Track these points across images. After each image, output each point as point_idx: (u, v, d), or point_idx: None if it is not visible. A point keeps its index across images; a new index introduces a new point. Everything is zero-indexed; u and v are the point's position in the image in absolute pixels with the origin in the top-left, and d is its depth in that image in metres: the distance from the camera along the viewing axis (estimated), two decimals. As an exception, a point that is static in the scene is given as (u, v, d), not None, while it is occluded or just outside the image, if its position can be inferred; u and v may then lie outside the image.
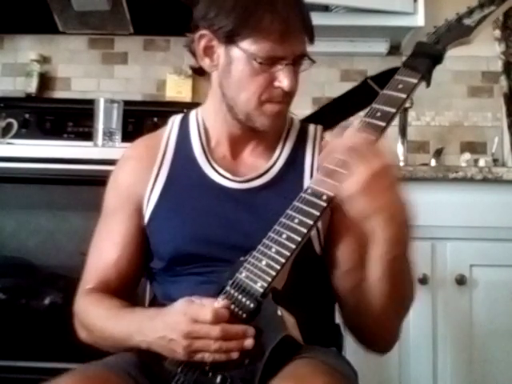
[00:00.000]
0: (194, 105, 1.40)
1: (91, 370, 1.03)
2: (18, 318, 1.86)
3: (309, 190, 1.06)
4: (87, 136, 2.13)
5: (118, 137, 2.01)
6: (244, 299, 1.03)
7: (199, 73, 1.25)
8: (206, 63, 1.20)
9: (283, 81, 1.13)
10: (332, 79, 2.52)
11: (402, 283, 1.07)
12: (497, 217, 1.80)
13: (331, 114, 1.58)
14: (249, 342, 0.99)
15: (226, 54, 1.16)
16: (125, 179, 1.26)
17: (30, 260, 1.90)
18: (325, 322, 1.23)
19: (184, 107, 1.75)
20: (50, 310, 1.85)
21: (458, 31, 1.14)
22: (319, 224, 1.16)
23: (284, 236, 1.04)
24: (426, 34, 1.16)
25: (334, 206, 1.17)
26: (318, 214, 1.03)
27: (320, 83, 2.49)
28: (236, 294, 1.04)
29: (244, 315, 1.02)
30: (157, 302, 1.24)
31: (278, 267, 1.02)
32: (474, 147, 2.43)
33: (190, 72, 2.28)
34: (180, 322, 1.01)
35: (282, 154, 1.24)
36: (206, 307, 1.01)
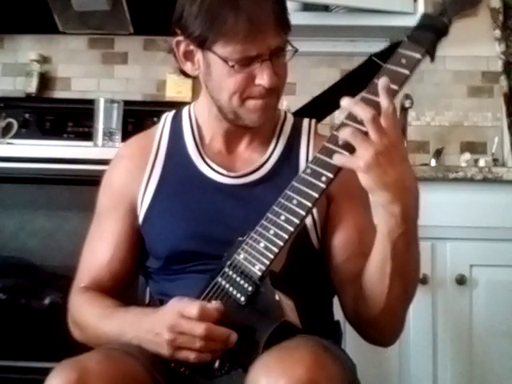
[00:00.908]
0: (194, 105, 1.40)
1: (112, 352, 1.03)
2: (17, 318, 1.86)
3: (308, 170, 1.03)
4: (87, 136, 2.13)
5: (118, 137, 2.01)
6: (242, 281, 1.03)
7: (186, 74, 1.24)
8: (188, 68, 1.20)
9: (262, 78, 1.11)
10: (332, 79, 2.49)
11: (408, 262, 1.05)
12: (497, 217, 1.80)
13: (334, 96, 1.56)
14: (230, 347, 0.99)
15: (203, 57, 1.15)
16: (118, 179, 1.26)
17: (30, 260, 1.90)
18: (322, 317, 1.23)
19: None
20: (49, 309, 1.84)
21: (463, 1, 1.08)
22: (316, 215, 1.17)
23: (282, 217, 1.03)
24: (432, 4, 1.11)
25: (330, 196, 1.16)
26: (316, 195, 1.01)
27: (320, 83, 2.47)
28: (234, 276, 1.04)
29: (242, 298, 1.02)
30: (154, 301, 1.24)
31: (277, 250, 1.02)
32: (474, 147, 2.43)
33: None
34: (167, 316, 1.02)
35: (276, 148, 1.24)
36: (195, 303, 1.01)
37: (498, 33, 2.38)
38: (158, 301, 1.19)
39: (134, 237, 1.23)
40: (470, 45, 2.44)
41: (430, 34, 1.03)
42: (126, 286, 1.26)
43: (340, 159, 0.99)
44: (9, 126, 2.28)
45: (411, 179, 0.99)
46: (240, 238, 1.07)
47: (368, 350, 1.74)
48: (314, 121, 1.29)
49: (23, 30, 2.54)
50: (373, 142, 0.95)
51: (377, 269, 1.05)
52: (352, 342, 1.56)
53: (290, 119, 1.29)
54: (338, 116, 2.04)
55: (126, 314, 1.13)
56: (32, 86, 2.48)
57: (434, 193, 1.78)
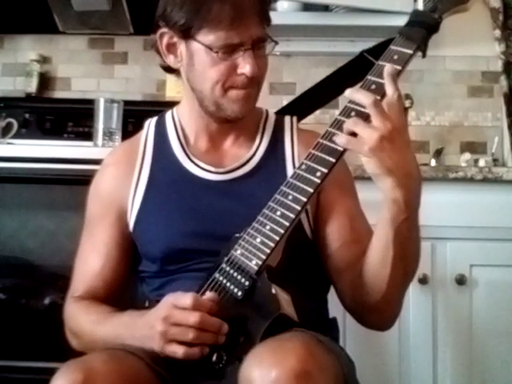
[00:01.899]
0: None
1: (117, 352, 1.03)
2: (17, 318, 1.86)
3: (303, 166, 1.05)
4: (87, 136, 2.13)
5: (118, 137, 2.01)
6: (239, 276, 1.04)
7: (169, 70, 1.27)
8: (170, 60, 1.22)
9: (245, 67, 1.14)
10: (332, 79, 2.51)
11: (409, 249, 1.06)
12: (497, 217, 1.80)
13: (322, 92, 1.57)
14: (222, 339, 1.00)
15: (186, 48, 1.17)
16: (106, 186, 1.27)
17: (30, 260, 1.90)
18: (318, 314, 1.23)
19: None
20: (49, 309, 1.84)
21: None
22: (307, 205, 1.17)
23: (278, 213, 1.04)
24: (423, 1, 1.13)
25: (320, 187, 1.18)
26: (311, 190, 1.03)
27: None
28: (231, 272, 1.05)
29: (239, 293, 1.03)
30: (151, 303, 1.24)
31: (273, 245, 1.03)
32: (474, 147, 2.43)
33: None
34: (160, 309, 1.03)
35: (261, 143, 1.26)
36: (188, 294, 1.02)
37: (498, 33, 2.38)
38: (156, 302, 1.19)
39: (126, 243, 1.24)
40: (470, 45, 2.44)
41: (422, 30, 1.05)
42: (120, 293, 1.27)
43: (344, 140, 0.99)
44: (9, 126, 2.28)
45: (414, 165, 1.00)
46: (237, 234, 1.08)
47: (368, 350, 1.75)
48: (294, 117, 1.32)
49: (23, 30, 2.54)
50: (376, 127, 0.96)
51: (378, 255, 1.06)
52: (352, 340, 1.57)
53: (272, 116, 1.32)
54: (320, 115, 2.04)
55: (121, 317, 1.14)
56: (32, 86, 2.48)
57: (434, 193, 1.78)
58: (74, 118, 2.31)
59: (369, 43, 1.35)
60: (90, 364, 0.96)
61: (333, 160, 1.02)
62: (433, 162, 2.33)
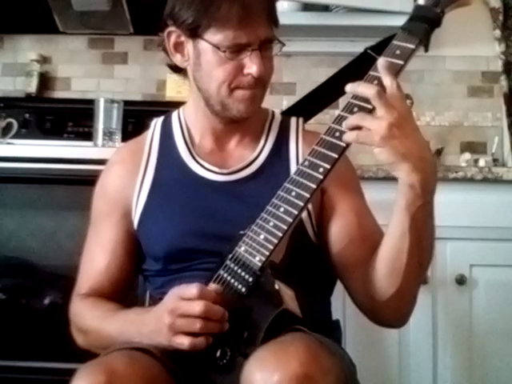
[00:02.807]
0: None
1: (134, 353, 1.03)
2: (18, 317, 1.86)
3: (306, 163, 1.06)
4: (87, 136, 2.13)
5: (118, 137, 2.01)
6: (243, 273, 1.05)
7: (175, 70, 1.27)
8: (177, 59, 1.22)
9: (251, 67, 1.14)
10: (332, 79, 2.52)
11: (425, 237, 1.06)
12: (497, 217, 1.80)
13: (328, 92, 1.57)
14: (226, 326, 1.01)
15: (194, 47, 1.18)
16: (112, 184, 1.27)
17: (30, 260, 1.90)
18: (321, 315, 1.23)
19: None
20: (49, 309, 1.84)
21: None
22: (310, 208, 1.18)
23: (281, 210, 1.05)
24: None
25: (322, 188, 1.17)
26: (314, 186, 1.03)
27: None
28: (235, 268, 1.06)
29: (243, 289, 1.03)
30: (154, 300, 1.24)
31: (276, 241, 1.03)
32: (474, 147, 2.43)
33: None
34: (167, 302, 1.04)
35: (266, 145, 1.26)
36: (193, 284, 1.02)
37: (498, 33, 2.38)
38: (158, 300, 1.19)
39: (131, 241, 1.24)
40: (470, 45, 2.44)
41: (424, 24, 1.05)
42: (125, 291, 1.27)
43: (353, 136, 0.99)
44: (9, 126, 2.28)
45: (427, 149, 1.01)
46: (241, 232, 1.08)
47: (368, 350, 1.75)
48: (301, 119, 1.32)
49: (23, 30, 2.54)
50: (383, 117, 0.96)
51: (394, 244, 1.05)
52: (352, 341, 1.57)
53: (278, 117, 1.32)
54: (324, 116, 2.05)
55: (128, 314, 1.14)
56: (32, 86, 2.48)
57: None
58: (73, 118, 2.31)
59: (369, 43, 1.34)
60: (112, 366, 0.96)
61: (335, 156, 1.02)
62: (433, 162, 2.33)
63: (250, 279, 1.03)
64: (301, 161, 1.21)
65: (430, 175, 1.00)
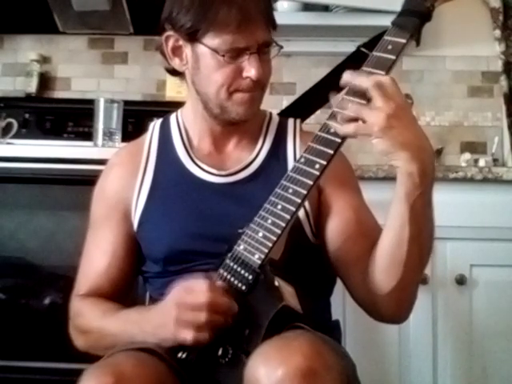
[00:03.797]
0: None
1: (141, 354, 1.03)
2: (18, 317, 1.86)
3: (302, 159, 1.06)
4: (87, 136, 2.13)
5: (118, 137, 2.01)
6: (243, 271, 1.05)
7: (174, 73, 1.27)
8: (176, 63, 1.23)
9: (250, 70, 1.15)
10: (332, 79, 2.51)
11: (424, 227, 1.06)
12: (497, 217, 1.80)
13: (322, 91, 1.57)
14: (231, 320, 1.01)
15: (192, 51, 1.18)
16: (111, 187, 1.28)
17: (30, 260, 1.90)
18: (321, 316, 1.23)
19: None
20: (49, 309, 1.84)
21: None
22: (308, 207, 1.19)
23: (279, 207, 1.06)
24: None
25: (319, 187, 1.19)
26: (311, 183, 1.04)
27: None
28: (235, 267, 1.06)
29: (243, 287, 1.04)
30: (154, 301, 1.25)
31: (275, 238, 1.04)
32: (474, 147, 2.43)
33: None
34: (173, 295, 1.05)
35: (264, 146, 1.27)
36: (201, 280, 1.03)
37: (498, 33, 2.38)
38: (159, 301, 1.19)
39: (130, 243, 1.25)
40: (470, 45, 2.44)
41: (414, 19, 1.06)
42: (125, 292, 1.27)
43: (352, 128, 1.00)
44: (9, 126, 2.28)
45: (425, 139, 1.02)
46: (240, 230, 1.09)
47: (368, 350, 1.75)
48: (298, 120, 1.33)
49: (23, 30, 2.54)
50: (381, 108, 0.97)
51: (394, 235, 1.06)
52: (352, 341, 1.57)
53: (276, 119, 1.32)
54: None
55: (129, 313, 1.15)
56: (32, 86, 2.48)
57: (434, 193, 1.78)
58: (73, 118, 2.31)
59: (369, 43, 1.34)
60: (119, 367, 0.96)
61: (331, 152, 1.03)
62: (433, 162, 2.33)
63: (250, 277, 1.04)
64: None
65: (428, 164, 1.01)
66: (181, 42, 1.19)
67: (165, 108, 2.31)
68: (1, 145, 2.04)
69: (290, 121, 1.32)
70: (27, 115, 2.32)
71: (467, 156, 2.32)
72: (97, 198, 1.29)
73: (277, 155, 1.25)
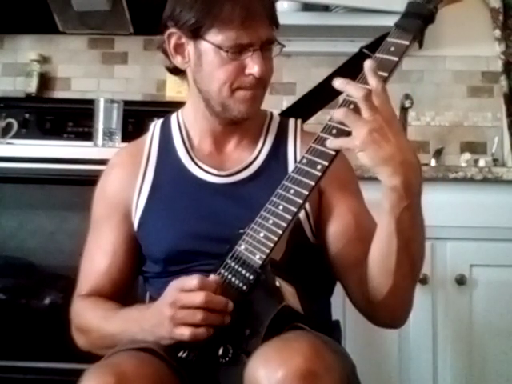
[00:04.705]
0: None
1: (142, 354, 1.04)
2: (18, 317, 1.86)
3: (303, 160, 1.07)
4: (87, 136, 2.13)
5: (118, 137, 2.01)
6: (244, 271, 1.05)
7: (175, 72, 1.27)
8: (178, 61, 1.23)
9: (253, 67, 1.15)
10: (332, 79, 2.51)
11: (414, 238, 1.06)
12: (497, 217, 1.80)
13: (324, 92, 1.57)
14: (227, 319, 1.01)
15: (195, 48, 1.18)
16: (112, 187, 1.28)
17: (30, 260, 1.90)
18: (321, 316, 1.23)
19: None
20: (49, 309, 1.85)
21: None
22: (308, 209, 1.19)
23: (280, 207, 1.06)
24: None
25: (320, 189, 1.19)
26: (312, 183, 1.04)
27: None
28: (236, 267, 1.07)
29: (244, 287, 1.04)
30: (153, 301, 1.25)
31: (276, 239, 1.04)
32: (474, 147, 2.43)
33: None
34: (168, 295, 1.04)
35: (264, 146, 1.27)
36: (193, 276, 1.03)
37: (497, 33, 2.38)
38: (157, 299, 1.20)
39: (131, 243, 1.25)
40: (470, 45, 2.44)
41: (417, 21, 1.06)
42: (126, 292, 1.28)
43: (336, 142, 1.01)
44: (9, 126, 2.28)
45: (409, 152, 1.00)
46: (241, 230, 1.09)
47: (368, 350, 1.75)
48: (299, 120, 1.33)
49: (23, 30, 2.54)
50: (366, 121, 0.97)
51: (383, 246, 1.06)
52: (352, 342, 1.57)
53: (276, 119, 1.32)
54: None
55: (130, 311, 1.15)
56: (32, 86, 2.48)
57: (434, 193, 1.78)
58: (73, 118, 2.31)
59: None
60: (120, 367, 0.97)
61: (333, 153, 1.03)
62: (433, 162, 2.33)
63: (251, 277, 1.04)
64: None
65: (412, 178, 1.00)
66: (183, 40, 1.19)
67: (165, 108, 2.31)
68: (1, 145, 2.04)
69: (291, 121, 1.32)
70: (27, 115, 2.32)
71: (467, 156, 2.32)
72: (97, 198, 1.30)
73: (277, 155, 1.25)
